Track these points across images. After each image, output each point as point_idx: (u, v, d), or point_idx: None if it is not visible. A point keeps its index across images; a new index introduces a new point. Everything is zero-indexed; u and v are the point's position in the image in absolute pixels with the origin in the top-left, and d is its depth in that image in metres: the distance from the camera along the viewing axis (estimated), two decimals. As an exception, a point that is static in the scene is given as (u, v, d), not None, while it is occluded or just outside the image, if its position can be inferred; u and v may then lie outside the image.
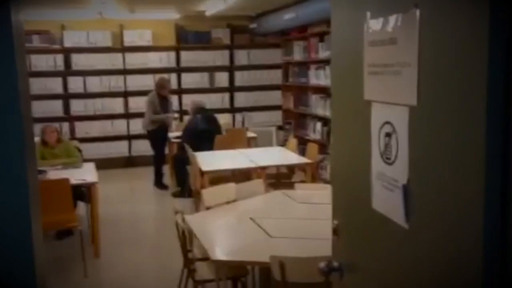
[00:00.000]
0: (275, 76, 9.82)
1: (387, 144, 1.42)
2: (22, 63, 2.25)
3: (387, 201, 1.44)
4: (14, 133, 2.09)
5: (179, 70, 9.45)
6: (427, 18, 1.21)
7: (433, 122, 1.21)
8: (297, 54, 8.85)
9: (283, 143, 8.47)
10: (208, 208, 4.14)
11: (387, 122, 1.41)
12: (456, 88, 1.12)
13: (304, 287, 3.03)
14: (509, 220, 1.05)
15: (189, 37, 9.50)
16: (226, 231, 3.74)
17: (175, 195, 7.30)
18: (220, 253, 3.20)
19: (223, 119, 8.43)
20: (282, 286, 2.95)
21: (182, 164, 7.09)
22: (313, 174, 6.01)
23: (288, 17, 7.97)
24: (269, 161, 6.09)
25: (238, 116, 9.76)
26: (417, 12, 1.22)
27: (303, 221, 3.81)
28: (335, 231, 1.82)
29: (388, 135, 1.41)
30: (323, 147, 7.44)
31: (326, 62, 7.57)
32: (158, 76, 8.71)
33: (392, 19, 1.35)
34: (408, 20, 1.27)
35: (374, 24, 1.45)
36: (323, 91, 7.91)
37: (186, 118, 7.76)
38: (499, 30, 1.00)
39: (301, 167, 6.40)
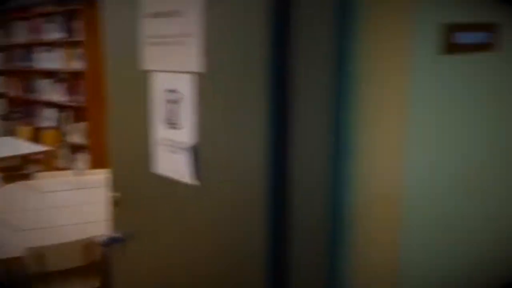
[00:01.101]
0: (-5, 60, 8.80)
1: (172, 111, 1.51)
2: None
3: (173, 164, 1.54)
4: None
5: None
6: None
7: (220, 88, 1.35)
8: (20, 36, 8.09)
9: (10, 134, 7.70)
10: None
11: (172, 90, 1.50)
12: (240, 57, 1.28)
13: (61, 275, 2.93)
14: (287, 173, 1.26)
15: None
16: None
17: None
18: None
19: None
20: (39, 277, 2.78)
21: None
22: (50, 162, 5.70)
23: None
24: (2, 152, 5.51)
25: None
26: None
27: (52, 209, 3.64)
28: (116, 203, 1.84)
29: (173, 102, 1.50)
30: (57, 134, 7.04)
31: (54, 44, 7.15)
32: None
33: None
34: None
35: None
36: (53, 75, 7.45)
37: None
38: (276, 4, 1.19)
39: (33, 157, 5.98)
